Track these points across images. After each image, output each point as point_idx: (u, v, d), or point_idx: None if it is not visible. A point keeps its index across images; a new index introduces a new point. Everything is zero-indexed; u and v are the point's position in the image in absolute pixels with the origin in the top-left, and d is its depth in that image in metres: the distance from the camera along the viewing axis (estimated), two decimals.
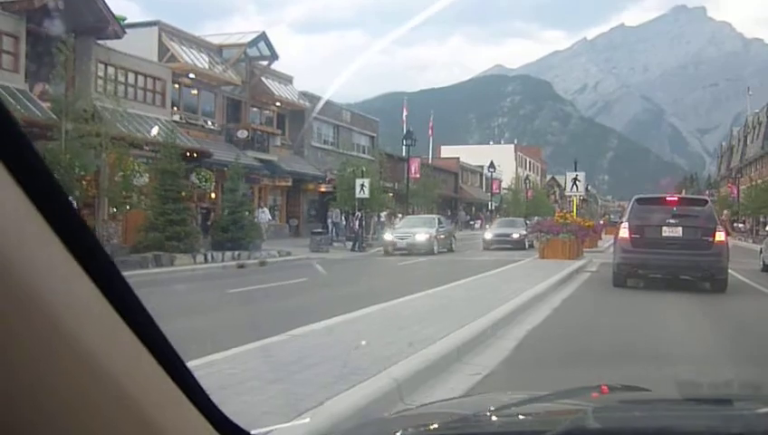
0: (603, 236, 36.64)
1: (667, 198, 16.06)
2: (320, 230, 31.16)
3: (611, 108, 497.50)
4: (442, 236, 29.58)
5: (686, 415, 1.69)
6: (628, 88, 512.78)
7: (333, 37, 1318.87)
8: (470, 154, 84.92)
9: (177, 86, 32.92)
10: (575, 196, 29.73)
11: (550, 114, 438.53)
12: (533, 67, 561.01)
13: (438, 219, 31.40)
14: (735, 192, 66.46)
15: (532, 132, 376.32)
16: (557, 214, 25.88)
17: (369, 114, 57.86)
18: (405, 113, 58.51)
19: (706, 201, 16.84)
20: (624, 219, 15.90)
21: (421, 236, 28.18)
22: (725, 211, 37.72)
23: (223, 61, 35.92)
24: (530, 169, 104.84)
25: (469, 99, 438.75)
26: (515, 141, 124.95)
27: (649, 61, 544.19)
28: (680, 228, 14.72)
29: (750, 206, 56.91)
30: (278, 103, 39.91)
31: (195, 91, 34.46)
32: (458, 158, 77.69)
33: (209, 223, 25.31)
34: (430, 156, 72.80)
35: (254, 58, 37.84)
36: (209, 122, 35.24)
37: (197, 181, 30.33)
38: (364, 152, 48.98)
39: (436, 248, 28.20)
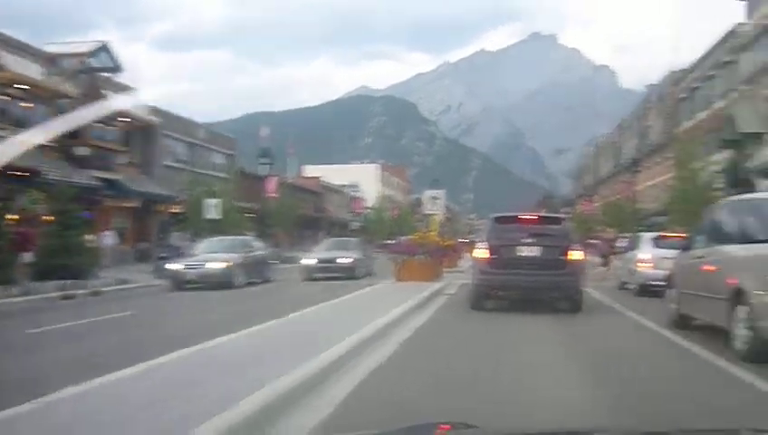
0: (464, 255, 36.28)
1: (524, 217, 15.35)
2: (165, 255, 28.70)
3: (474, 129, 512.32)
4: (248, 263, 23.36)
5: None
6: (491, 110, 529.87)
7: (198, 55, 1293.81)
8: (335, 174, 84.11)
9: (6, 98, 29.96)
10: (435, 214, 29.05)
11: (415, 135, 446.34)
12: (399, 88, 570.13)
13: (247, 241, 25.75)
14: (590, 209, 68.69)
15: (399, 153, 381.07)
16: (416, 233, 24.74)
17: (232, 134, 55.78)
18: (265, 132, 56.69)
19: (563, 219, 16.26)
20: (482, 239, 15.11)
21: (216, 264, 21.97)
22: (610, 230, 38.00)
23: (60, 71, 33.05)
24: (395, 189, 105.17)
25: (335, 119, 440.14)
26: (380, 161, 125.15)
27: (509, 85, 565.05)
28: (537, 248, 14.09)
29: (604, 222, 58.67)
30: (124, 119, 37.28)
31: (25, 104, 31.40)
32: (320, 177, 76.45)
33: (23, 249, 22.33)
34: (291, 175, 71.26)
35: (95, 69, 35.14)
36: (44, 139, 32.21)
37: (28, 203, 27.48)
38: (221, 171, 46.93)
39: (240, 279, 22.25)
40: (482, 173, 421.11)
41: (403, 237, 31.27)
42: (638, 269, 18.71)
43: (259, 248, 25.96)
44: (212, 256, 22.48)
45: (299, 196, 60.88)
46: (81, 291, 20.20)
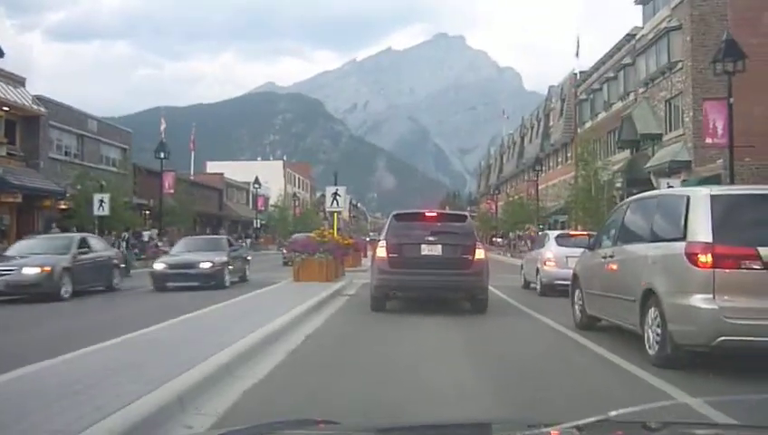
0: (368, 253, 35.67)
1: (426, 214, 14.62)
2: None
3: (380, 127, 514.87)
4: (80, 267, 18.61)
5: None
6: (396, 109, 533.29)
7: (98, 46, 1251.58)
8: (238, 170, 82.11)
9: None
10: (337, 211, 28.15)
11: (321, 132, 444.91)
12: (305, 86, 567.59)
13: (81, 240, 19.97)
14: (494, 208, 69.24)
15: (305, 150, 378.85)
16: (315, 231, 23.61)
17: (134, 128, 53.20)
18: (163, 125, 54.46)
19: (466, 217, 15.61)
20: (382, 237, 14.30)
21: (29, 270, 17.35)
22: (531, 227, 37.86)
23: None
24: (299, 186, 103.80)
25: (241, 115, 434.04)
26: (284, 158, 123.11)
27: (415, 83, 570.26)
28: (439, 246, 13.42)
29: (508, 220, 59.22)
30: (5, 108, 34.80)
31: None
32: (222, 173, 74.31)
33: None
34: (192, 171, 69.08)
35: None
36: None
37: None
38: (114, 166, 44.69)
39: (67, 288, 17.74)
40: (387, 171, 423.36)
41: (299, 235, 29.75)
42: (543, 268, 18.34)
43: (99, 248, 20.80)
44: (27, 260, 17.84)
45: (201, 193, 58.88)
46: None
